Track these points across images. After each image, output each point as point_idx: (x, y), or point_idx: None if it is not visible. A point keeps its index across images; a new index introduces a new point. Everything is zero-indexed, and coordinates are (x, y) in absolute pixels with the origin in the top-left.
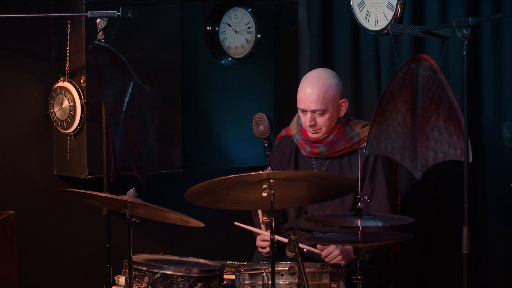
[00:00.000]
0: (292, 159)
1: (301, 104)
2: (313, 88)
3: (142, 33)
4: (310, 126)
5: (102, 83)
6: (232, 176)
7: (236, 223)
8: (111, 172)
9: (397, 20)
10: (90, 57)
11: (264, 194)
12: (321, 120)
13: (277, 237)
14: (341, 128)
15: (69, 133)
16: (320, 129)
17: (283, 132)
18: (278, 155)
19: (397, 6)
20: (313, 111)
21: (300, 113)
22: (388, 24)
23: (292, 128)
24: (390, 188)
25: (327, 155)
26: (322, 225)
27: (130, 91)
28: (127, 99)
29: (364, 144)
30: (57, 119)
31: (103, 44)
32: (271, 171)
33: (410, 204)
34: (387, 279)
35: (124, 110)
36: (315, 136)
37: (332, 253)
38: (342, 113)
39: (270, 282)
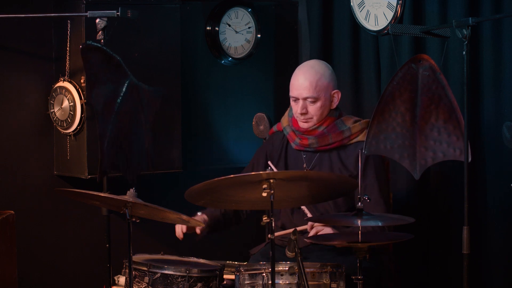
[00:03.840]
0: (282, 152)
1: (293, 92)
2: (306, 75)
3: (142, 33)
4: (301, 114)
5: (92, 83)
6: (232, 176)
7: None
8: (98, 171)
9: (397, 20)
10: (81, 57)
11: (264, 194)
12: (313, 109)
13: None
14: (332, 121)
15: (69, 133)
16: (311, 118)
17: (274, 128)
18: (268, 148)
19: (397, 6)
20: (305, 99)
21: (292, 103)
22: (388, 24)
23: (283, 121)
24: (382, 186)
25: (316, 148)
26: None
27: (124, 91)
28: (119, 99)
29: (355, 140)
30: (57, 119)
31: (94, 44)
32: (271, 171)
33: (409, 204)
34: (387, 279)
35: (115, 110)
36: (306, 125)
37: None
38: (334, 104)
39: (270, 282)
